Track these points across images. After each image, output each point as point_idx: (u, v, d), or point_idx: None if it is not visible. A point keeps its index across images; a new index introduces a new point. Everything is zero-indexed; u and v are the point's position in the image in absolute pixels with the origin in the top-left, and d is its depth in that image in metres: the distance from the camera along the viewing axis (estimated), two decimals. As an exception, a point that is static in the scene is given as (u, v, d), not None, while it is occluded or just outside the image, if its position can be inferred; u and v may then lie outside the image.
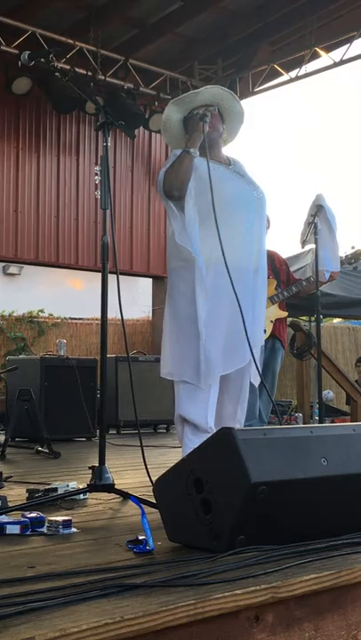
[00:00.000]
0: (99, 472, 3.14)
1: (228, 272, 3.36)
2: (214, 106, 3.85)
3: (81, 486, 3.41)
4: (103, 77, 9.65)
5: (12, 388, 6.75)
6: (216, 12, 9.56)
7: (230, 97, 3.93)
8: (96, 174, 3.29)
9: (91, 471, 3.23)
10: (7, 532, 2.65)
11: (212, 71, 10.60)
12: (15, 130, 9.75)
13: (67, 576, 2.02)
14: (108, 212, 3.25)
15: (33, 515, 2.77)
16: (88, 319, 12.38)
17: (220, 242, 3.42)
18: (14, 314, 11.80)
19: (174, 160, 3.72)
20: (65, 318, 12.16)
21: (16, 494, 3.52)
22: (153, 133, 10.78)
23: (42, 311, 12.18)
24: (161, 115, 9.61)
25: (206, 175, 3.56)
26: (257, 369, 3.57)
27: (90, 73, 9.48)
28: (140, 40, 10.00)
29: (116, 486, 3.12)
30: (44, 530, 2.70)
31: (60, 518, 2.72)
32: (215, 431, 2.65)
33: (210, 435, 2.80)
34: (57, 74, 9.04)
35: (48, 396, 6.79)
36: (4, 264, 17.00)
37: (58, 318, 12.12)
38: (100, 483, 3.11)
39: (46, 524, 2.71)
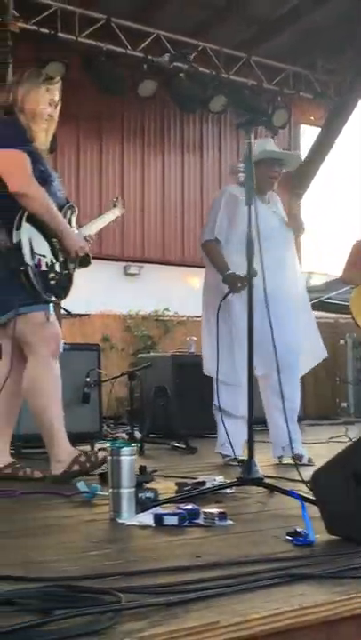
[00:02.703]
0: (247, 466, 3.19)
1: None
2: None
3: (228, 480, 3.47)
4: (226, 75, 9.70)
5: (145, 386, 6.89)
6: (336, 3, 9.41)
7: (286, 155, 4.78)
8: (240, 171, 3.39)
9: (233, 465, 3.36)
10: (165, 522, 2.72)
11: (336, 64, 10.47)
12: (140, 131, 9.94)
13: (234, 565, 2.06)
14: (252, 208, 3.30)
15: (188, 507, 2.83)
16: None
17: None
18: (140, 313, 11.99)
19: (216, 258, 4.54)
20: (190, 316, 12.27)
21: (163, 487, 3.60)
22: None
23: (167, 309, 12.32)
24: (284, 111, 9.63)
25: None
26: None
27: (213, 72, 9.55)
28: (262, 37, 10.01)
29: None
30: (200, 521, 2.76)
31: (215, 510, 2.77)
32: None
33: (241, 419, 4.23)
34: (181, 74, 9.33)
35: (179, 393, 6.88)
36: (125, 264, 17.37)
37: (183, 316, 12.24)
38: (249, 476, 3.15)
39: (202, 516, 2.77)
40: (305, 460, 4.53)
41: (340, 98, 10.93)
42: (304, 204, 10.36)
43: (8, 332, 3.76)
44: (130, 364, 10.14)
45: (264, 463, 4.38)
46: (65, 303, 6.19)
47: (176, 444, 5.86)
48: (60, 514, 3.08)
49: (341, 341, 9.35)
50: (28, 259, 3.63)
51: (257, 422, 5.02)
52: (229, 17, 9.44)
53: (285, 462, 4.63)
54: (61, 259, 3.86)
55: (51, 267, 3.76)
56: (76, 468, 3.86)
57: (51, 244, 3.82)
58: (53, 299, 3.81)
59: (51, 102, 3.87)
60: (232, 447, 4.47)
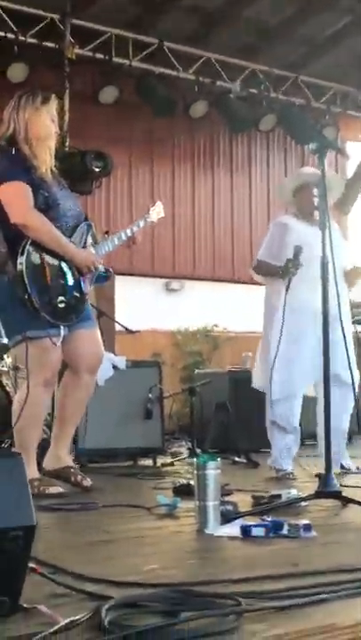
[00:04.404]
0: (325, 479, 3.31)
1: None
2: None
3: (301, 493, 3.59)
4: (275, 95, 9.86)
5: (202, 402, 7.01)
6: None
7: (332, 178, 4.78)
8: (314, 196, 3.55)
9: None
10: (253, 534, 2.86)
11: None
12: (190, 152, 10.15)
13: (334, 573, 2.19)
14: (326, 232, 3.43)
15: (272, 519, 2.96)
16: (259, 332, 12.54)
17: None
18: (189, 329, 12.15)
19: (268, 266, 4.81)
20: (239, 332, 12.39)
21: (240, 500, 3.72)
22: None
23: (216, 325, 12.47)
24: (332, 129, 9.72)
25: (299, 238, 4.65)
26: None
27: (263, 92, 9.70)
28: (310, 56, 10.16)
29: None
30: (285, 532, 2.88)
31: (300, 522, 2.90)
32: None
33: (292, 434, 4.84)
34: (231, 95, 9.51)
35: (237, 408, 7.00)
36: (166, 280, 17.52)
37: (232, 332, 12.37)
38: (326, 489, 3.27)
39: (287, 528, 2.89)
40: (354, 469, 4.94)
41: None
42: (351, 220, 10.43)
43: (19, 357, 3.93)
44: (180, 380, 10.30)
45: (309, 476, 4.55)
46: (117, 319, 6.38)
47: (236, 459, 5.98)
48: (148, 525, 3.23)
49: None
50: (29, 287, 3.74)
51: (309, 437, 5.22)
52: (278, 39, 9.60)
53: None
54: (74, 280, 3.96)
55: (61, 291, 3.88)
56: None
57: (66, 264, 3.94)
58: (61, 323, 3.91)
59: (52, 119, 3.99)
60: (282, 460, 4.87)
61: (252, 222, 10.56)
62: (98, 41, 8.75)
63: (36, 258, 3.80)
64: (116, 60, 8.83)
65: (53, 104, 3.99)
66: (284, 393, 4.77)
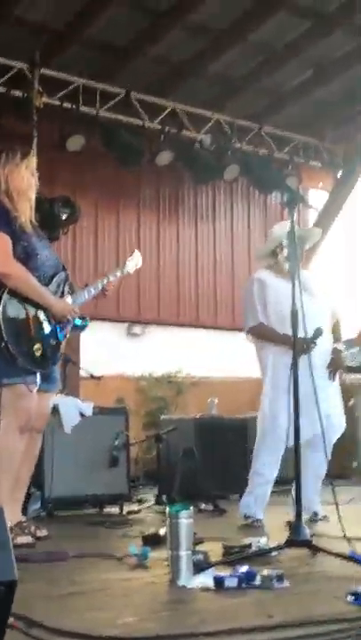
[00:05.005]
0: (295, 528, 3.34)
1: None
2: None
3: (271, 542, 3.60)
4: (239, 145, 10.04)
5: (168, 448, 7.00)
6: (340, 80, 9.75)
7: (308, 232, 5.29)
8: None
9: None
10: (226, 585, 2.86)
11: (344, 134, 10.86)
12: (155, 200, 10.28)
13: (312, 625, 2.20)
14: (296, 282, 3.51)
15: (244, 569, 2.97)
16: (222, 377, 12.59)
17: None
18: (153, 374, 12.16)
19: (273, 334, 4.83)
20: (203, 377, 12.42)
21: (209, 549, 3.71)
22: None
23: (179, 371, 12.49)
24: (294, 178, 9.91)
25: (277, 294, 4.77)
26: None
27: (227, 142, 9.89)
28: (273, 108, 10.38)
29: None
30: (257, 583, 2.89)
31: (272, 572, 2.91)
32: None
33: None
34: (196, 144, 9.68)
35: (204, 455, 7.00)
36: (128, 324, 17.54)
37: (195, 377, 12.40)
38: (298, 538, 3.29)
39: (259, 578, 2.90)
40: (320, 517, 4.97)
41: (348, 166, 11.32)
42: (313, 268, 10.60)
43: None
44: (142, 426, 10.27)
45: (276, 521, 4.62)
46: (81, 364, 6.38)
47: (204, 506, 5.96)
48: (119, 576, 3.21)
49: (350, 402, 9.51)
50: (6, 335, 3.77)
51: (282, 482, 5.27)
52: (242, 90, 9.80)
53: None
54: (51, 327, 4.01)
55: (38, 339, 3.91)
56: None
57: (43, 312, 3.99)
58: (38, 370, 3.93)
59: (32, 173, 4.11)
60: (256, 508, 4.90)
61: (217, 268, 10.69)
62: (65, 90, 8.85)
63: (13, 307, 3.83)
64: (83, 108, 8.93)
65: (33, 159, 4.10)
66: (281, 443, 4.75)
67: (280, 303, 4.64)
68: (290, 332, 4.33)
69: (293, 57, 9.22)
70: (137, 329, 19.05)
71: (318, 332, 4.56)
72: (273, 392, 4.85)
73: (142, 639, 2.04)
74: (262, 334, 4.97)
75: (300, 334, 3.80)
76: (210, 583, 2.90)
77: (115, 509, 5.98)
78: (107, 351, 10.93)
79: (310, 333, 4.14)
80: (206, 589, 2.86)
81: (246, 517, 4.95)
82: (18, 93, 8.51)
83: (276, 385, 4.78)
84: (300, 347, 4.57)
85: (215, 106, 9.92)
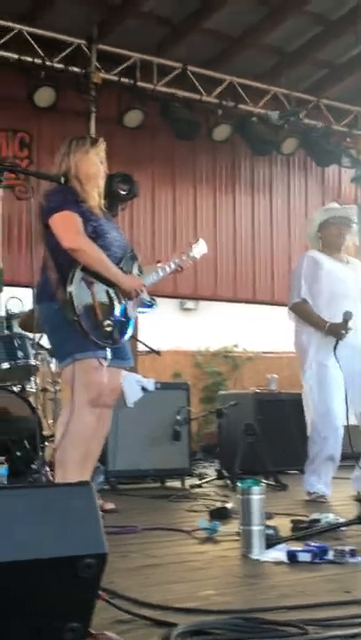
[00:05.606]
0: (366, 505, 3.34)
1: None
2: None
3: (339, 518, 3.62)
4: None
5: (228, 423, 7.04)
6: None
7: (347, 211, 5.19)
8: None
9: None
10: (299, 559, 2.89)
11: None
12: (212, 174, 10.24)
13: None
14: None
15: (317, 544, 2.99)
16: (278, 352, 12.57)
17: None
18: (210, 349, 12.21)
19: (311, 315, 4.95)
20: (259, 352, 12.43)
21: (278, 524, 3.74)
22: (342, 169, 10.97)
23: (236, 346, 12.52)
24: (354, 150, 9.80)
25: (330, 274, 4.95)
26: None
27: (294, 117, 9.76)
28: (330, 80, 10.24)
29: None
30: (331, 558, 2.91)
31: (345, 547, 2.92)
32: None
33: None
34: (254, 118, 9.61)
35: (263, 430, 7.02)
36: (180, 300, 17.51)
37: (251, 353, 12.42)
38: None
39: (332, 553, 2.92)
40: None
41: None
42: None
43: (67, 378, 3.99)
44: (200, 401, 10.34)
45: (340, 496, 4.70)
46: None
47: (265, 481, 5.98)
48: (191, 549, 3.27)
49: None
50: (79, 310, 3.83)
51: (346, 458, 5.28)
52: (298, 62, 9.69)
53: None
54: (121, 305, 4.05)
55: (107, 314, 3.95)
56: None
57: (114, 289, 4.03)
58: (109, 346, 3.95)
59: (101, 161, 4.16)
60: (320, 485, 4.96)
61: (273, 243, 10.63)
62: (123, 65, 8.85)
63: (85, 283, 3.88)
64: (140, 84, 8.92)
65: (102, 146, 4.13)
66: (334, 421, 5.00)
67: (332, 284, 4.90)
68: (337, 315, 4.71)
69: (349, 28, 9.07)
70: (191, 304, 19.09)
71: (348, 316, 4.63)
72: (319, 370, 5.00)
73: (226, 612, 2.07)
74: (300, 312, 5.02)
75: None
76: (283, 557, 2.93)
77: (176, 483, 6.05)
78: (162, 326, 10.96)
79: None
80: (279, 563, 2.89)
81: (310, 494, 4.97)
82: (76, 69, 8.52)
83: (323, 364, 4.94)
84: (336, 331, 4.72)
85: (271, 79, 9.82)
